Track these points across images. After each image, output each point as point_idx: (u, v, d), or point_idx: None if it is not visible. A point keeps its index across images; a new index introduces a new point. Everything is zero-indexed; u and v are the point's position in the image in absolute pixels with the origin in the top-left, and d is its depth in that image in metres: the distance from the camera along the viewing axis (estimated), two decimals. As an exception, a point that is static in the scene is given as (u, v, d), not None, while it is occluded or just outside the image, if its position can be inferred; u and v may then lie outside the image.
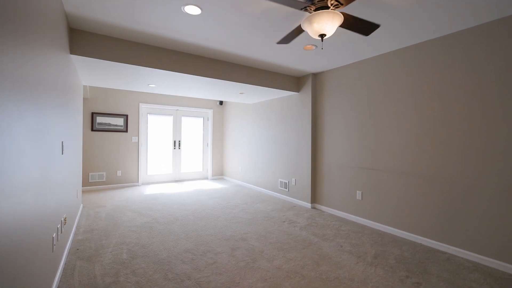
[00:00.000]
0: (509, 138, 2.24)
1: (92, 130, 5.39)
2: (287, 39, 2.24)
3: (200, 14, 2.31)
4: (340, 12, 1.76)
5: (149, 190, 5.39)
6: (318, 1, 1.76)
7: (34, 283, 1.38)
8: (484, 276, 2.15)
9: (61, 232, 2.15)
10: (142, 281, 2.01)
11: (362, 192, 3.50)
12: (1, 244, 0.93)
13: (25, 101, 1.18)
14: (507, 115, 2.25)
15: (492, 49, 2.35)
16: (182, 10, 2.24)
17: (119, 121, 5.74)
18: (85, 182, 5.33)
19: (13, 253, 1.06)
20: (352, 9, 2.16)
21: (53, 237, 1.81)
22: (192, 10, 2.23)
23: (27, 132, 1.23)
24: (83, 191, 5.19)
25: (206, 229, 3.17)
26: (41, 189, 1.52)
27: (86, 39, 2.71)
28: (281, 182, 4.91)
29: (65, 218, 2.33)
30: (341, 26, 1.95)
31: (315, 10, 1.77)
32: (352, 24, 1.93)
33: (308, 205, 4.26)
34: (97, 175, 5.44)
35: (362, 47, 3.06)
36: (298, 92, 4.51)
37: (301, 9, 1.79)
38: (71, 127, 2.73)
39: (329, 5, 1.74)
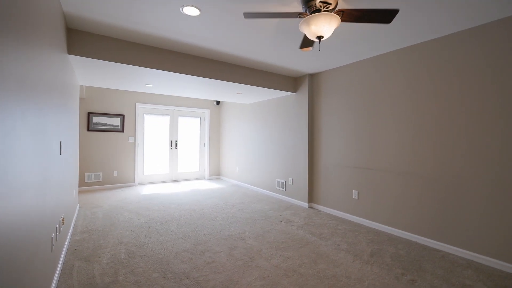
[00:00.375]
0: (505, 139, 2.30)
1: (88, 130, 5.35)
2: (309, 43, 2.29)
3: (198, 15, 2.32)
4: (344, 9, 1.78)
5: (146, 190, 5.38)
6: (313, 5, 1.79)
7: (34, 283, 1.39)
8: (477, 273, 2.20)
9: (59, 232, 2.14)
10: (141, 280, 2.02)
11: (358, 192, 3.54)
12: (4, 243, 0.94)
13: (26, 102, 1.19)
14: (504, 115, 2.31)
15: (488, 50, 2.41)
16: (181, 11, 2.25)
17: (116, 121, 5.71)
18: (81, 182, 5.30)
19: (15, 253, 1.06)
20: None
21: (52, 237, 1.81)
22: (191, 11, 2.25)
23: (29, 132, 1.24)
24: (79, 192, 5.16)
25: (204, 228, 3.19)
26: (42, 189, 1.52)
27: (84, 39, 2.70)
28: (278, 182, 4.94)
29: (63, 218, 2.33)
30: (352, 21, 1.90)
31: (311, 13, 1.80)
32: (362, 17, 1.86)
33: (305, 204, 4.29)
34: (93, 175, 5.41)
35: (359, 47, 3.10)
36: (295, 92, 4.54)
37: (297, 17, 1.83)
38: (69, 127, 2.72)
39: (319, 7, 1.77)
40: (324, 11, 1.78)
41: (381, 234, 3.10)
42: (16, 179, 1.06)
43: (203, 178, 7.10)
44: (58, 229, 2.06)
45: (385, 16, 1.83)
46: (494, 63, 2.35)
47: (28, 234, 1.26)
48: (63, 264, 2.23)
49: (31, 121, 1.27)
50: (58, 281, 1.97)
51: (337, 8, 1.83)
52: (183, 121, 6.81)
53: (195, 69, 3.44)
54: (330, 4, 1.72)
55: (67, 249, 2.52)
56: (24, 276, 1.20)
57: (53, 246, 1.87)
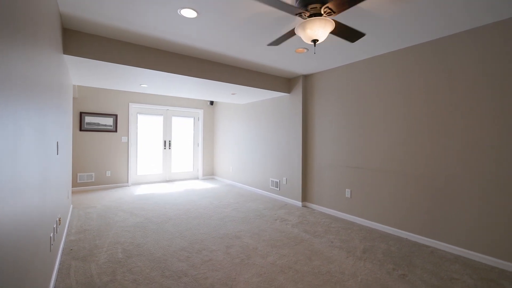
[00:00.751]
0: (495, 140, 2.41)
1: (81, 130, 5.29)
2: (277, 42, 2.33)
3: (196, 17, 2.35)
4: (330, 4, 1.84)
5: (140, 191, 5.35)
6: (311, 8, 1.85)
7: (34, 282, 1.39)
8: (464, 267, 2.31)
9: (56, 232, 2.14)
10: (139, 278, 2.04)
11: (351, 190, 3.64)
12: (7, 244, 0.96)
13: (30, 101, 1.20)
14: (494, 116, 2.43)
15: (480, 53, 2.52)
16: (178, 13, 2.28)
17: (108, 121, 5.66)
18: (74, 182, 5.23)
19: (15, 253, 1.08)
20: (341, 18, 2.27)
21: (50, 237, 1.81)
22: (189, 13, 2.28)
23: (32, 132, 1.25)
24: (72, 192, 5.09)
25: (200, 228, 3.21)
26: (43, 189, 1.53)
27: (80, 40, 2.69)
28: (272, 181, 5.00)
29: (60, 218, 2.32)
30: (347, 7, 1.86)
31: (308, 17, 1.86)
32: (341, 31, 2.03)
33: (299, 203, 4.36)
34: (86, 176, 5.35)
35: (351, 50, 3.18)
36: (289, 93, 4.61)
37: (296, 14, 1.88)
38: (64, 127, 2.71)
39: (322, 12, 1.84)
40: (325, 16, 1.83)
41: (373, 231, 3.19)
42: (20, 179, 1.08)
43: (197, 178, 7.10)
44: (55, 229, 2.05)
45: (354, 35, 1.92)
46: (486, 65, 2.47)
47: (29, 234, 1.27)
48: (60, 264, 2.23)
49: (34, 121, 1.28)
50: (56, 280, 1.97)
51: (331, 17, 1.90)
52: (176, 121, 6.79)
53: (191, 70, 3.46)
54: (334, 12, 1.76)
55: (63, 250, 2.51)
56: (25, 276, 1.21)
57: (52, 246, 1.87)
